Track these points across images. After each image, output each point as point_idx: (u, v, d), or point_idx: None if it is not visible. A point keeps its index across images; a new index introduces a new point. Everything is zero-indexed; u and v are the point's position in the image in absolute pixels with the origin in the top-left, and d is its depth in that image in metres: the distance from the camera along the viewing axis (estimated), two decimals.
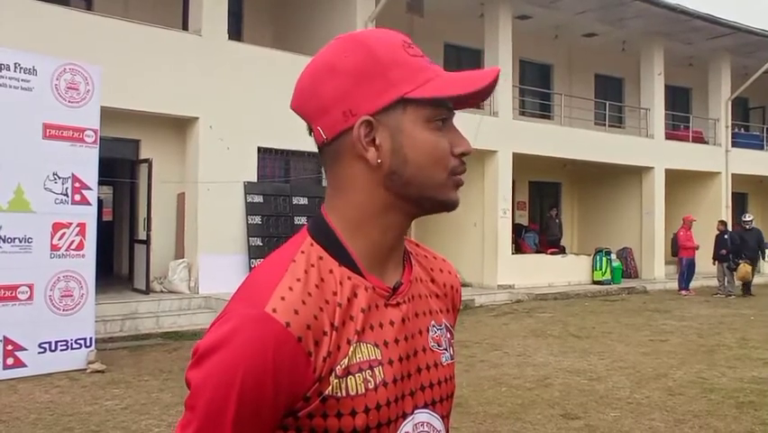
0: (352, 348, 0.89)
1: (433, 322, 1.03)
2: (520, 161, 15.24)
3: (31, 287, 6.84)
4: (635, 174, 17.96)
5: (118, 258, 13.65)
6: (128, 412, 5.61)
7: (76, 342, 7.14)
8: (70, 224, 7.10)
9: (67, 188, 7.07)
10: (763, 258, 16.24)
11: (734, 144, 19.98)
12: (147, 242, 10.78)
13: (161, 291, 11.00)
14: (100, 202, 9.03)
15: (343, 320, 0.89)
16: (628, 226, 18.22)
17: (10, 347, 6.70)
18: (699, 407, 5.85)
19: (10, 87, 6.74)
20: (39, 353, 6.87)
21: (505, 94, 14.87)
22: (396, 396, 0.92)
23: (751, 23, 19.39)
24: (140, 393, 6.21)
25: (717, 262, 15.57)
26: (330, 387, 0.86)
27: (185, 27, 11.98)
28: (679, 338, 9.52)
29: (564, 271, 16.29)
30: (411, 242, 1.08)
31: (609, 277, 16.55)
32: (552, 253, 16.63)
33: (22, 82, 6.81)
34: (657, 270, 17.72)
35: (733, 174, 19.69)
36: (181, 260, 11.28)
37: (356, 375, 0.88)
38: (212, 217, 11.13)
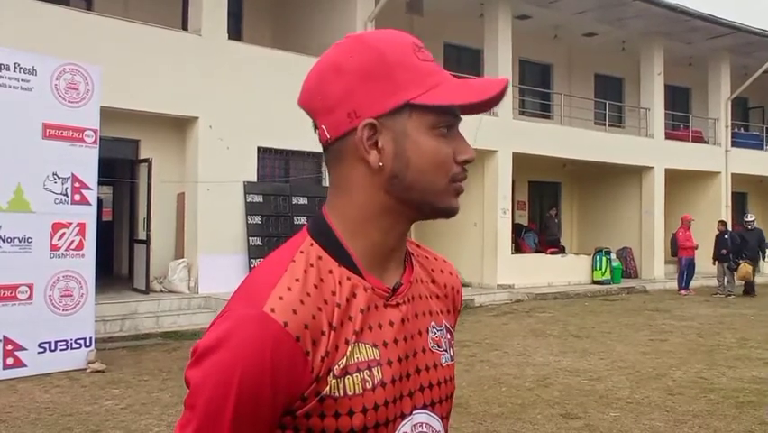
0: (350, 348, 0.89)
1: (433, 323, 1.02)
2: (520, 161, 15.24)
3: (30, 287, 6.84)
4: (635, 174, 17.96)
5: (118, 258, 13.65)
6: (128, 412, 5.61)
7: (75, 342, 7.14)
8: (70, 224, 7.10)
9: (66, 188, 7.07)
10: (764, 258, 16.23)
11: (733, 144, 19.99)
12: (147, 242, 10.78)
13: (161, 291, 11.00)
14: (100, 202, 9.03)
15: (342, 320, 0.90)
16: (628, 226, 18.22)
17: (10, 347, 6.70)
18: (699, 407, 5.86)
19: (10, 87, 6.74)
20: (38, 352, 6.87)
21: None
22: (394, 396, 0.92)
23: (751, 22, 19.37)
24: (139, 393, 6.21)
25: (716, 262, 15.58)
26: (327, 387, 0.87)
27: (185, 27, 11.98)
28: (678, 338, 9.52)
29: (564, 270, 16.29)
30: (412, 242, 1.07)
31: (609, 277, 16.56)
32: (551, 253, 16.63)
33: (22, 82, 6.81)
34: (657, 269, 17.73)
35: (732, 174, 19.70)
36: (181, 260, 11.28)
37: (354, 375, 0.89)
38: (212, 217, 11.13)
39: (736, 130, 20.91)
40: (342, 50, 0.93)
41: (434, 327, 1.02)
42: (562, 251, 17.22)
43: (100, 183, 8.01)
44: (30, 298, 6.83)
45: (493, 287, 14.43)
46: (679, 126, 20.44)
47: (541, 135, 15.55)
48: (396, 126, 0.91)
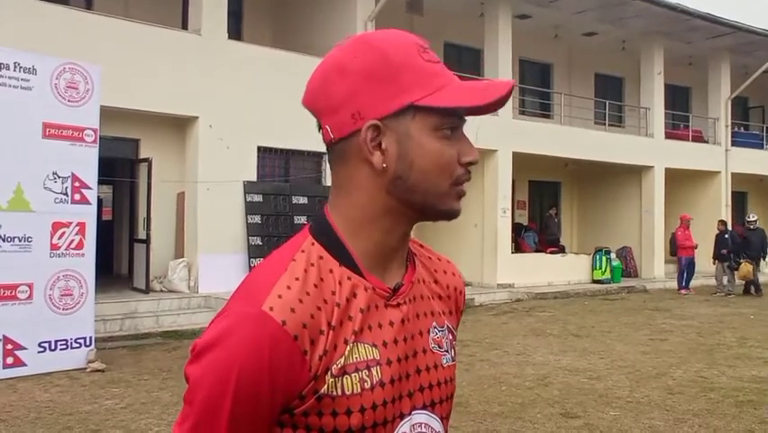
0: (348, 348, 0.89)
1: (434, 323, 1.02)
2: (520, 161, 15.24)
3: (30, 286, 6.84)
4: (635, 173, 17.96)
5: (118, 257, 13.65)
6: (128, 411, 5.61)
7: (75, 341, 7.15)
8: (70, 223, 7.10)
9: (66, 188, 7.07)
10: (765, 258, 16.22)
11: (733, 143, 19.99)
12: (147, 241, 10.78)
13: (161, 291, 11.00)
14: (100, 201, 9.03)
15: (341, 320, 0.90)
16: (628, 226, 18.22)
17: (10, 346, 6.70)
18: (699, 406, 5.86)
19: (9, 86, 6.74)
20: (38, 352, 6.87)
21: None
22: (393, 396, 0.92)
23: (751, 22, 19.37)
24: (139, 392, 6.22)
25: (716, 262, 15.57)
26: (326, 386, 0.87)
27: (184, 26, 11.98)
28: (678, 337, 9.52)
29: (564, 270, 16.29)
30: (415, 243, 1.07)
31: (609, 276, 16.56)
32: (551, 253, 16.64)
33: (22, 81, 6.81)
34: (657, 269, 17.73)
35: (733, 173, 19.70)
36: (181, 259, 11.29)
37: (352, 375, 0.89)
38: (211, 217, 11.13)
39: (736, 129, 20.92)
40: (347, 50, 0.93)
41: (435, 327, 1.02)
42: (561, 250, 17.22)
43: (100, 183, 8.01)
44: (30, 297, 6.83)
45: (493, 286, 14.43)
46: (679, 126, 20.44)
47: (541, 135, 15.55)
48: (399, 128, 0.91)
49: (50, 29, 9.47)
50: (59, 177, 7.02)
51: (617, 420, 5.42)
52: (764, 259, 16.34)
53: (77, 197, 7.15)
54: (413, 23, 14.47)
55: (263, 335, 0.84)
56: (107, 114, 8.40)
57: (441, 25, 15.50)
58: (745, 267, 15.01)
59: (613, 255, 17.00)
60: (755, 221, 15.78)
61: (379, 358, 0.92)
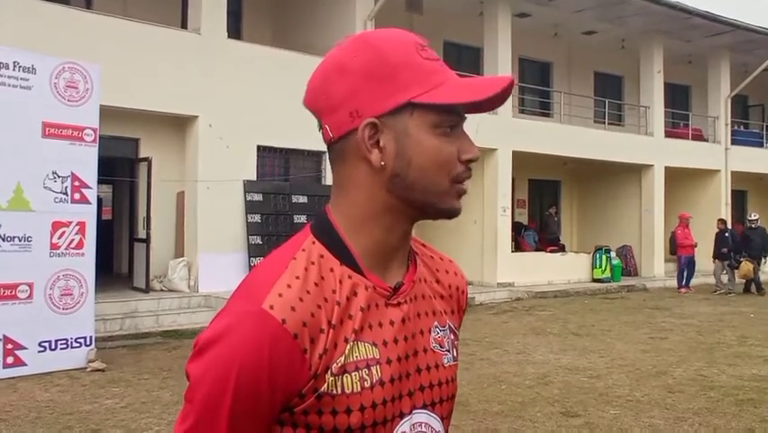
0: (348, 346, 0.89)
1: (436, 323, 1.02)
2: (520, 159, 15.24)
3: (30, 286, 6.84)
4: (635, 172, 17.96)
5: (118, 257, 13.65)
6: (128, 411, 5.61)
7: (76, 341, 7.14)
8: (70, 222, 7.10)
9: (66, 187, 7.07)
10: (766, 257, 16.21)
11: (733, 142, 19.99)
12: (147, 240, 10.78)
13: (161, 290, 11.01)
14: (99, 201, 9.03)
15: (341, 318, 0.90)
16: (628, 224, 18.23)
17: (10, 346, 6.70)
18: (699, 404, 5.86)
19: (9, 85, 6.73)
20: (39, 351, 6.87)
21: None
22: (393, 395, 0.92)
23: (750, 20, 19.31)
24: (140, 392, 6.22)
25: (716, 260, 15.57)
26: (325, 384, 0.87)
27: (184, 26, 11.98)
28: (678, 336, 9.53)
29: (564, 269, 16.29)
30: (417, 242, 1.07)
31: (609, 275, 16.56)
32: (551, 251, 16.64)
33: (22, 81, 6.81)
34: (657, 267, 17.74)
35: (732, 172, 19.70)
36: (181, 258, 11.29)
37: (352, 374, 0.89)
38: (211, 216, 11.13)
39: (735, 128, 20.91)
40: (346, 49, 0.94)
41: (436, 327, 1.02)
42: (561, 249, 17.22)
43: (100, 182, 8.01)
44: (30, 297, 6.83)
45: (493, 285, 14.44)
46: (679, 124, 20.44)
47: (541, 133, 15.55)
48: (397, 126, 0.91)
49: (49, 28, 9.46)
50: (58, 176, 7.02)
51: (617, 419, 5.43)
52: (766, 258, 16.34)
53: (76, 196, 7.15)
54: (412, 22, 14.46)
55: (263, 333, 0.84)
56: (107, 113, 8.40)
57: (440, 24, 15.50)
58: (746, 266, 15.00)
59: (613, 254, 17.00)
60: (757, 220, 15.76)
61: (378, 357, 0.92)
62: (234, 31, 12.89)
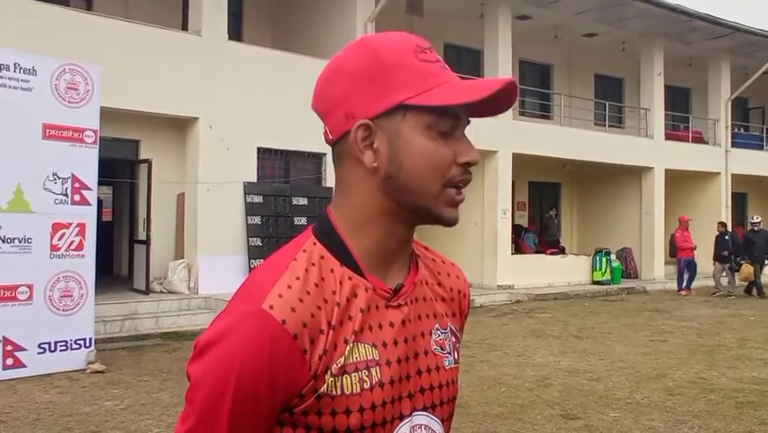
0: (348, 348, 0.89)
1: (437, 325, 1.02)
2: (520, 162, 15.24)
3: (30, 287, 6.84)
4: (635, 174, 17.96)
5: (118, 258, 13.64)
6: (127, 413, 5.61)
7: (75, 342, 7.14)
8: (70, 224, 7.10)
9: (66, 189, 7.07)
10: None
11: (733, 144, 19.99)
12: (147, 242, 10.78)
13: (161, 292, 11.00)
14: (100, 202, 9.03)
15: (341, 320, 0.90)
16: (628, 227, 18.22)
17: (9, 348, 6.69)
18: (699, 407, 5.86)
19: (10, 87, 6.74)
20: (38, 353, 6.87)
21: None
22: (392, 397, 0.92)
23: (751, 23, 19.41)
24: (139, 394, 6.21)
25: (715, 263, 15.56)
26: (325, 385, 0.87)
27: (185, 27, 11.98)
28: (678, 339, 9.52)
29: (564, 271, 16.29)
30: (420, 244, 1.07)
31: (609, 277, 16.56)
32: (551, 254, 16.64)
33: (22, 82, 6.81)
34: (657, 270, 17.73)
35: (732, 174, 19.70)
36: (181, 260, 11.28)
37: (352, 375, 0.89)
38: (211, 218, 11.13)
39: (736, 130, 20.91)
40: (346, 52, 0.95)
41: (437, 329, 1.02)
42: (561, 251, 17.22)
43: (100, 183, 8.00)
44: (30, 298, 6.83)
45: (493, 287, 14.43)
46: (679, 127, 20.44)
47: (541, 136, 15.56)
48: (390, 127, 0.91)
49: (49, 30, 9.47)
50: (59, 178, 7.02)
51: (617, 422, 5.42)
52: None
53: (77, 198, 7.15)
54: (413, 24, 14.48)
55: (263, 333, 0.84)
56: (107, 114, 8.40)
57: (441, 26, 15.51)
58: (747, 268, 15.00)
59: (613, 256, 17.00)
60: (759, 222, 15.73)
61: (378, 358, 0.92)
62: (235, 33, 12.90)
